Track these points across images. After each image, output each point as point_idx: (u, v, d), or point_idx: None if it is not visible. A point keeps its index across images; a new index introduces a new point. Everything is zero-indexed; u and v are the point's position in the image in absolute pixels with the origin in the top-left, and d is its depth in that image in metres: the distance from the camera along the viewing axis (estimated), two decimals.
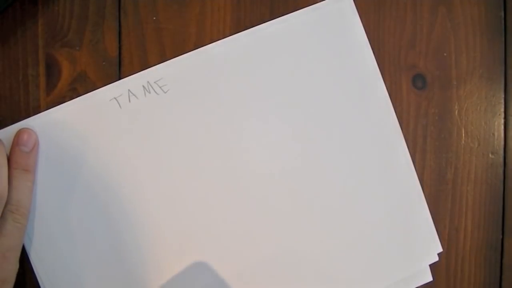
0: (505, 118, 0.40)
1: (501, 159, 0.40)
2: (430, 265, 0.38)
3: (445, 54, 0.39)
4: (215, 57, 0.37)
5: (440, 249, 0.38)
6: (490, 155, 0.39)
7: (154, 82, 0.36)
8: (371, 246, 0.37)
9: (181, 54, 0.37)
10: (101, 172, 0.36)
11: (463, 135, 0.39)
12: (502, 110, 0.40)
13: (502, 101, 0.40)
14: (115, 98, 0.36)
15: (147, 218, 0.36)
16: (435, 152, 0.39)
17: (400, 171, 0.38)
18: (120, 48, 0.38)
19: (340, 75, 0.38)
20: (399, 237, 0.38)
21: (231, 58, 0.37)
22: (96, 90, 0.36)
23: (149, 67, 0.37)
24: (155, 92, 0.36)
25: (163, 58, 0.37)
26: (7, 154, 0.34)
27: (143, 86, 0.36)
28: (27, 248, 0.35)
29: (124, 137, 0.36)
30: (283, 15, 0.38)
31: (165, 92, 0.37)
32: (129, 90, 0.36)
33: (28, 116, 0.36)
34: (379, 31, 0.39)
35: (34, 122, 0.36)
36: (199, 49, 0.37)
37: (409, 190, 0.38)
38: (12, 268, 0.33)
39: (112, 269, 0.36)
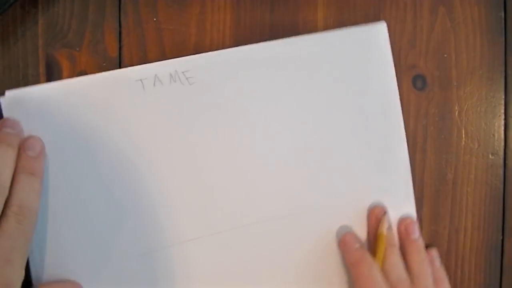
0: (505, 119, 0.40)
1: (501, 160, 0.39)
2: None
3: (445, 55, 0.39)
4: (248, 59, 0.37)
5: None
6: (490, 156, 0.39)
7: (182, 72, 0.36)
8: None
9: (181, 54, 0.37)
10: (111, 148, 0.36)
11: (463, 135, 0.39)
12: (502, 111, 0.40)
13: (502, 102, 0.40)
14: (141, 80, 0.36)
15: (153, 200, 0.36)
16: (435, 152, 0.39)
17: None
18: (120, 48, 0.38)
19: (360, 99, 0.38)
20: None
21: (263, 63, 0.37)
22: (124, 69, 0.36)
23: None
24: (181, 82, 0.36)
25: (163, 58, 0.37)
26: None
27: (170, 74, 0.36)
28: None
29: (140, 119, 0.36)
30: (283, 15, 0.38)
31: (190, 84, 0.36)
32: (156, 75, 0.36)
33: None
34: None
35: (56, 88, 0.35)
36: (235, 48, 0.37)
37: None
38: (16, 273, 0.31)
39: (111, 243, 0.36)
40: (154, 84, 0.36)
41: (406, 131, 0.39)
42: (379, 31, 0.38)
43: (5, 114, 0.35)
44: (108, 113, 0.36)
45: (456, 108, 0.39)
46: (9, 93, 0.35)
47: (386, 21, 0.39)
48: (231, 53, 0.37)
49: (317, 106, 0.38)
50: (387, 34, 0.38)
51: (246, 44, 0.38)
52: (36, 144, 0.35)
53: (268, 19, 0.38)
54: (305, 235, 0.38)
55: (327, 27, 0.39)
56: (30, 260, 0.35)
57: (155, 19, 0.38)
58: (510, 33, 0.39)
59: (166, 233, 0.37)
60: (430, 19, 0.39)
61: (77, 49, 0.37)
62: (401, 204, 0.38)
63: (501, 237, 0.39)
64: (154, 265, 0.36)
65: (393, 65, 0.38)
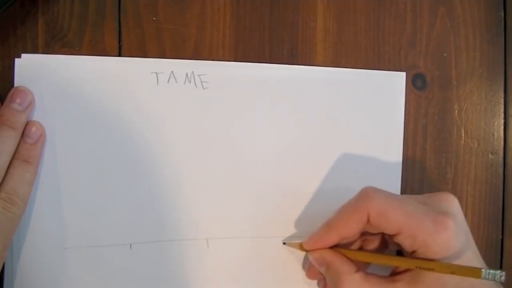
0: (505, 118, 0.40)
1: (501, 159, 0.40)
2: None
3: (445, 54, 0.39)
4: (266, 77, 0.37)
5: None
6: (490, 155, 0.40)
7: (198, 75, 0.37)
8: None
9: (181, 54, 0.37)
10: (110, 130, 0.36)
11: (463, 135, 0.39)
12: (502, 110, 0.40)
13: (502, 101, 0.40)
14: (156, 73, 0.36)
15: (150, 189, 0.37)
16: (435, 152, 0.39)
17: None
18: (120, 48, 0.38)
19: (364, 133, 0.38)
20: None
21: (281, 85, 0.37)
22: (142, 58, 0.37)
23: None
24: (195, 84, 0.37)
25: (163, 58, 0.37)
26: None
27: (187, 74, 0.37)
28: None
29: (147, 110, 0.36)
30: (283, 15, 0.38)
31: (204, 89, 0.37)
32: (172, 71, 0.37)
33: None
34: (379, 31, 0.39)
35: (72, 61, 0.36)
36: (257, 64, 0.37)
37: None
38: None
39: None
40: (168, 81, 0.36)
41: (406, 131, 0.39)
42: (398, 79, 0.39)
43: (17, 76, 0.35)
44: (116, 96, 0.36)
45: (456, 107, 0.39)
46: (25, 56, 0.36)
47: (386, 21, 0.39)
48: (251, 68, 0.37)
49: (321, 132, 0.38)
50: (404, 83, 0.39)
51: (244, 44, 0.38)
52: (36, 131, 0.35)
53: (268, 19, 0.38)
54: None
55: (326, 27, 0.39)
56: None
57: (155, 19, 0.38)
58: (510, 33, 0.39)
59: (167, 229, 0.37)
60: (430, 19, 0.39)
61: (77, 48, 0.37)
62: None
63: (500, 236, 0.39)
64: (158, 256, 0.37)
65: (403, 111, 0.39)
